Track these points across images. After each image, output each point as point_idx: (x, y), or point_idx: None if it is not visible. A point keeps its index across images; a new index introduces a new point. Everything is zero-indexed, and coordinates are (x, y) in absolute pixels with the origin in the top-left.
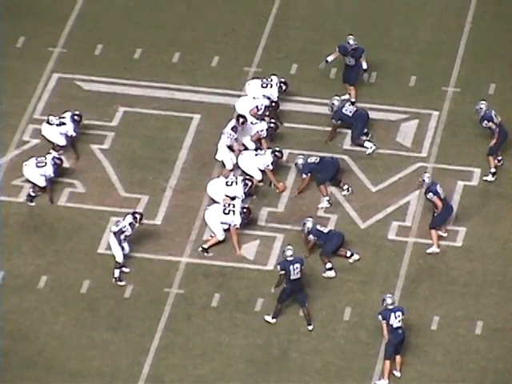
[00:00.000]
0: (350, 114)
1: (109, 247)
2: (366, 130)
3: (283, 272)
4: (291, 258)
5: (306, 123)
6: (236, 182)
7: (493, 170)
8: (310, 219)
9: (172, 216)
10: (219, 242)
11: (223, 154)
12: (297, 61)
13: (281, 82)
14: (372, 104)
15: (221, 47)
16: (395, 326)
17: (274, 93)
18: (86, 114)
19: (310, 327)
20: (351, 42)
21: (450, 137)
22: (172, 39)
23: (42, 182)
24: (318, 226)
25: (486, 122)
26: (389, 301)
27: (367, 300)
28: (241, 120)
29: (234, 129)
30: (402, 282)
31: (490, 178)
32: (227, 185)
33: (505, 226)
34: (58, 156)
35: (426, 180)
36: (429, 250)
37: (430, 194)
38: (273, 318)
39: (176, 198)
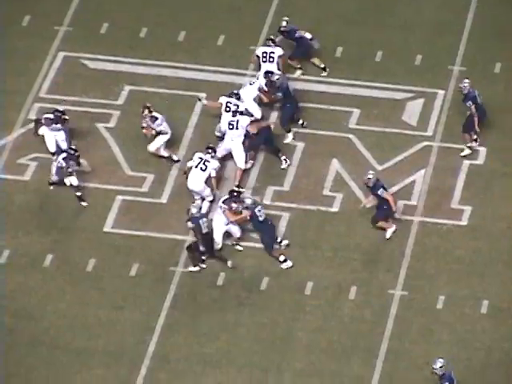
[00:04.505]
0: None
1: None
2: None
3: (193, 226)
4: (198, 215)
5: (311, 102)
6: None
7: (470, 144)
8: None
9: (177, 194)
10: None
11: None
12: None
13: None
14: (378, 83)
15: (226, 26)
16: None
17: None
18: (91, 93)
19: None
20: (284, 24)
21: (455, 116)
22: (178, 18)
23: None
24: (257, 210)
25: (470, 102)
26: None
27: (373, 279)
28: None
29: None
30: (407, 261)
31: (466, 152)
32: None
33: (510, 205)
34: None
35: (370, 177)
36: (387, 236)
37: (381, 189)
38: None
39: (181, 176)
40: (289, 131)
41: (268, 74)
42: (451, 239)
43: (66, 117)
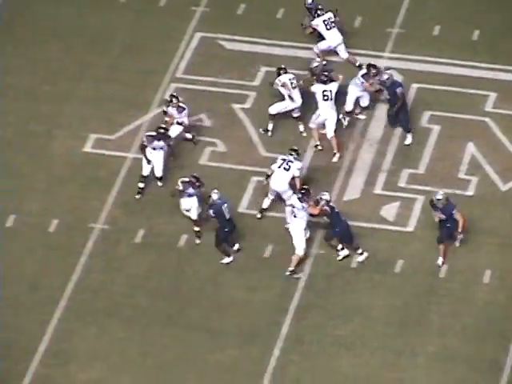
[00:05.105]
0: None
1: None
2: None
3: (215, 214)
4: (219, 201)
5: (446, 85)
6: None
7: None
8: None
9: (311, 176)
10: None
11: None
12: (440, 22)
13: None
14: None
15: (364, 7)
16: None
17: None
18: (227, 73)
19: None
20: (309, 1)
21: None
22: None
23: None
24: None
25: None
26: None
27: (507, 263)
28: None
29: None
30: None
31: None
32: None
33: None
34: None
35: (440, 197)
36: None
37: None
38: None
39: (317, 153)
40: (409, 131)
41: (371, 66)
42: None
43: (170, 133)
